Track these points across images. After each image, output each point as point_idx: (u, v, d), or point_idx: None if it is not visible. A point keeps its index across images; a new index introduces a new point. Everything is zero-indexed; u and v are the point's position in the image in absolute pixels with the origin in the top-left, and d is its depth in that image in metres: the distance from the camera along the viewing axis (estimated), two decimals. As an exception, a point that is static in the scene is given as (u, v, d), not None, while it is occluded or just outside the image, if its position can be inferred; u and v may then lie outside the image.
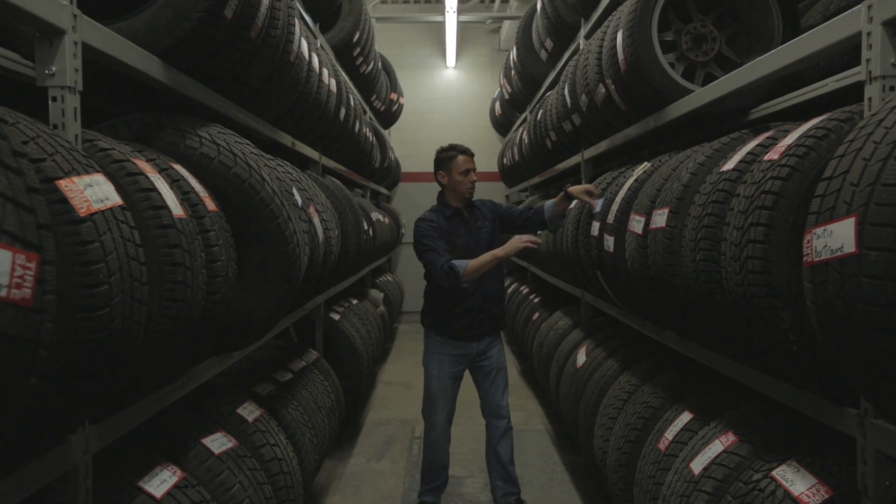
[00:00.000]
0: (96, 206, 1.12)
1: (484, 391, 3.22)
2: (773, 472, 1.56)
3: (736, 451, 1.76)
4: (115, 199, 1.19)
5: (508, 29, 9.26)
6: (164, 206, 1.42)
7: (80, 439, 1.29)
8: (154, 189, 1.41)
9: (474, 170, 3.14)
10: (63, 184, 1.06)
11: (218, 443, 1.87)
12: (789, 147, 1.48)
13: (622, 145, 3.43)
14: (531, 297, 6.09)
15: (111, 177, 1.33)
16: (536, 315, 5.42)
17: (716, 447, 1.83)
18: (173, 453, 1.71)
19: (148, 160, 1.56)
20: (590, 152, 3.97)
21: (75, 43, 1.29)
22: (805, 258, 1.21)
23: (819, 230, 1.17)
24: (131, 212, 1.30)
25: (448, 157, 3.12)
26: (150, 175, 1.43)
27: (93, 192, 1.13)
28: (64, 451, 1.24)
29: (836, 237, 1.12)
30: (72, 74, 1.28)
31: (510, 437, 3.23)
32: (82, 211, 1.08)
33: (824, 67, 2.57)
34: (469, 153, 3.16)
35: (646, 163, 2.65)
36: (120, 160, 1.38)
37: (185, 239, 1.46)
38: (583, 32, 4.23)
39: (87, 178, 1.13)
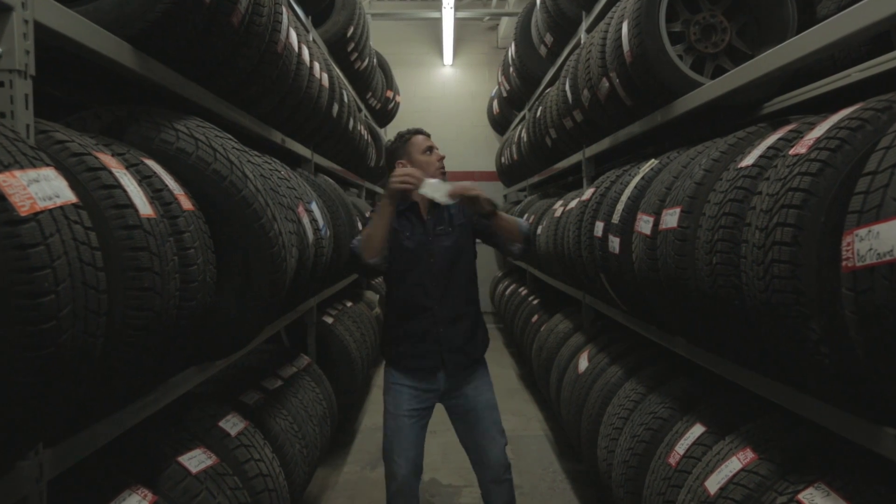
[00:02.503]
0: (42, 205, 0.98)
1: (467, 439, 2.54)
2: (800, 496, 1.43)
3: (755, 469, 1.62)
4: (67, 196, 1.05)
5: (506, 26, 9.13)
6: (130, 205, 1.28)
7: (32, 466, 1.15)
8: (118, 186, 1.27)
9: (437, 148, 2.57)
10: (1, 178, 0.92)
11: (196, 460, 1.73)
12: (818, 140, 1.34)
13: (625, 143, 3.29)
14: (530, 298, 5.96)
15: (68, 172, 1.19)
16: (535, 317, 5.29)
17: (733, 465, 1.70)
18: (145, 474, 1.57)
19: (115, 154, 1.42)
20: (591, 150, 3.84)
21: (26, 21, 1.15)
22: (844, 262, 1.08)
23: (862, 231, 1.03)
24: (89, 211, 1.16)
25: (403, 140, 2.55)
26: (114, 170, 1.29)
27: (39, 188, 0.99)
28: (12, 479, 1.10)
29: (884, 239, 0.98)
30: (21, 57, 1.14)
31: None
32: (24, 210, 0.94)
33: (840, 60, 2.46)
34: (425, 133, 2.60)
35: (653, 160, 2.52)
36: (79, 154, 1.24)
37: (155, 241, 1.33)
38: (584, 26, 4.10)
39: (32, 173, 0.99)
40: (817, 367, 1.33)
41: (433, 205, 2.49)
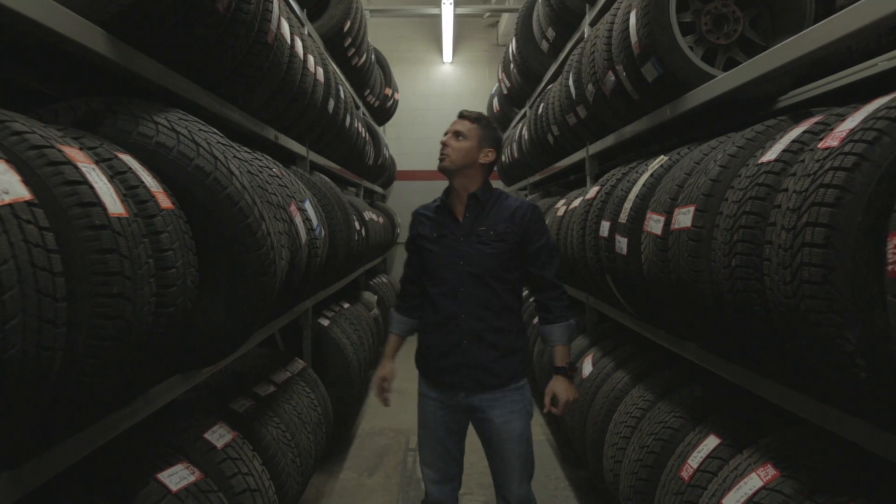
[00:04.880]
0: (-13, 202, 0.86)
1: (491, 464, 2.36)
2: (829, 519, 1.32)
3: (778, 487, 1.51)
4: (18, 192, 0.93)
5: (507, 22, 9.01)
6: (97, 203, 1.16)
7: (-15, 492, 1.04)
8: (84, 182, 1.15)
9: (459, 134, 2.28)
10: (-65, 172, 0.81)
11: (177, 477, 1.61)
12: (852, 132, 1.23)
13: (630, 139, 3.18)
14: (531, 299, 5.84)
15: (25, 166, 1.08)
16: (536, 319, 5.17)
17: (753, 482, 1.58)
18: (119, 493, 1.45)
19: (84, 148, 1.30)
20: (595, 147, 3.72)
21: (-27, -3, 1.04)
22: (891, 267, 0.97)
23: (913, 232, 0.92)
24: (48, 209, 1.04)
25: None
26: (80, 165, 1.18)
27: (-16, 183, 0.87)
28: (-39, 509, 0.99)
29: (940, 241, 0.87)
30: (-29, 37, 1.02)
31: None
32: (-38, 208, 0.82)
33: (858, 52, 2.34)
34: (462, 115, 2.35)
35: (662, 156, 2.40)
36: (40, 146, 1.12)
37: (126, 242, 1.21)
38: (588, 19, 3.99)
39: (-24, 166, 0.87)
40: (851, 380, 1.21)
41: (475, 203, 2.28)
